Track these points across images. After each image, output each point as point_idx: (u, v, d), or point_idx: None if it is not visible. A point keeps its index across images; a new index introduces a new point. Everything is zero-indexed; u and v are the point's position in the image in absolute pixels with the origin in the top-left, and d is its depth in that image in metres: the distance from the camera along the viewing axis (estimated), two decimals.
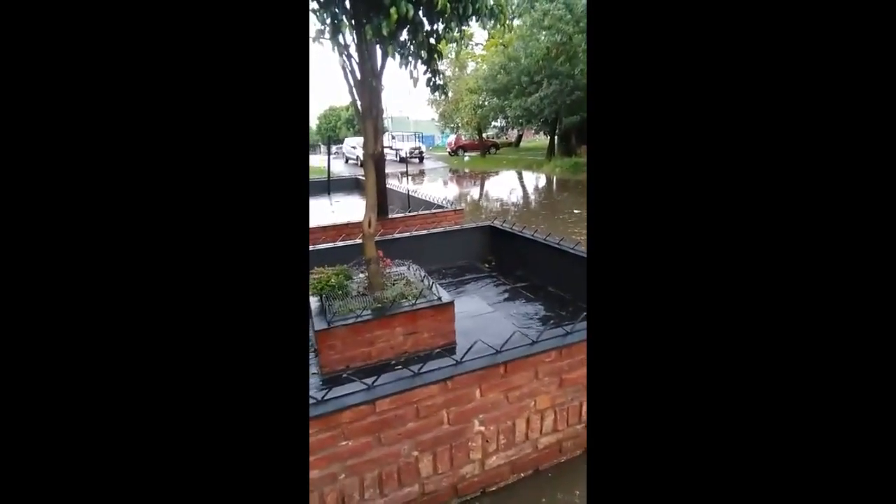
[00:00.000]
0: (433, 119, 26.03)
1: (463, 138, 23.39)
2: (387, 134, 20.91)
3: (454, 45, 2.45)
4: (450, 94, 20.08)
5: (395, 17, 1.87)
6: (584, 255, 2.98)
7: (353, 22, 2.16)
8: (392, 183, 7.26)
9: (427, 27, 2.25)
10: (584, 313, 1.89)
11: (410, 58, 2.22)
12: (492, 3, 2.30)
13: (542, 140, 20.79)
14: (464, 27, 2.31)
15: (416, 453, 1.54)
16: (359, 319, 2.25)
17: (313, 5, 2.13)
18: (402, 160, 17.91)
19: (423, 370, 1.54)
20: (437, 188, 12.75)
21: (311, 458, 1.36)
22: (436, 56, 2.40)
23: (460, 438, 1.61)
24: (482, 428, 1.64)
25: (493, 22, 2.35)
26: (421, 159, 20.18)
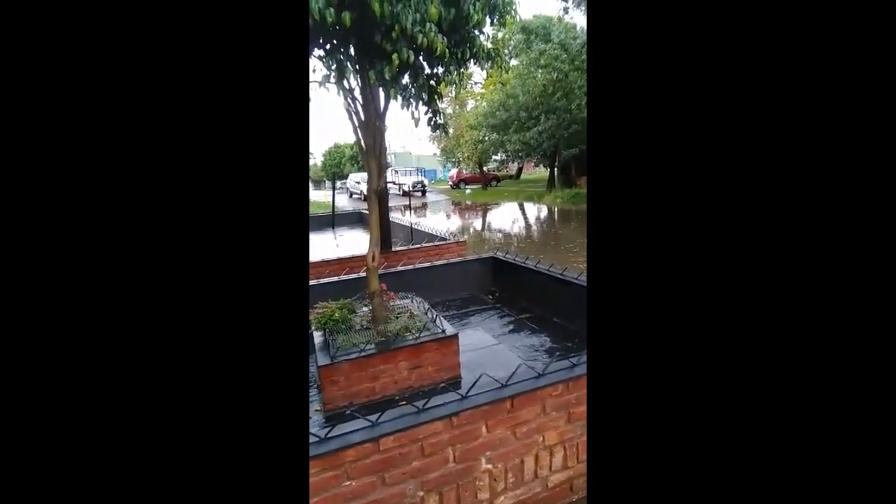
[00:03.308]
0: (435, 154, 26.74)
1: (464, 172, 23.90)
2: (390, 169, 21.42)
3: (454, 86, 2.57)
4: (451, 131, 20.69)
5: (396, 62, 1.97)
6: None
7: (357, 67, 2.28)
8: (395, 216, 7.36)
9: (427, 70, 2.36)
10: None
11: (412, 99, 2.32)
12: (489, 46, 2.43)
13: (542, 172, 21.19)
14: (462, 70, 2.42)
15: (421, 493, 1.49)
16: (362, 354, 2.23)
17: (319, 52, 2.26)
18: (406, 194, 18.19)
19: (427, 406, 1.51)
20: (439, 220, 12.89)
21: (313, 500, 1.32)
22: (436, 97, 2.51)
23: (467, 477, 1.56)
24: (489, 466, 1.59)
25: (490, 64, 2.46)
26: (423, 192, 20.54)
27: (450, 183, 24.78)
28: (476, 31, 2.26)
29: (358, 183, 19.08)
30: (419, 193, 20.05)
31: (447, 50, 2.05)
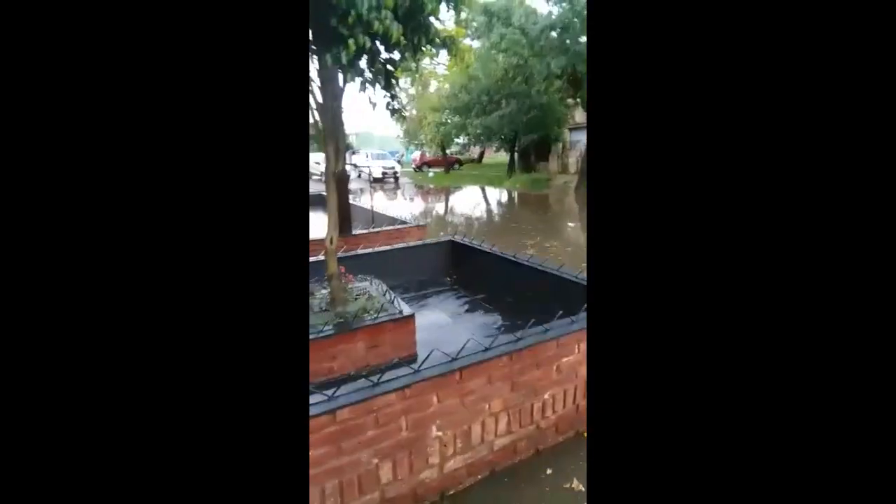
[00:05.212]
0: (398, 136, 26.28)
1: (427, 155, 23.73)
2: (361, 153, 19.84)
3: (410, 73, 2.61)
4: (413, 112, 20.36)
5: (352, 47, 1.99)
6: (538, 267, 3.17)
7: (313, 49, 2.27)
8: (364, 200, 7.27)
9: (384, 56, 2.38)
10: (533, 320, 2.04)
11: (368, 84, 2.35)
12: (445, 34, 2.48)
13: (504, 157, 21.45)
14: (419, 56, 2.47)
15: (376, 461, 1.60)
16: (321, 335, 2.29)
17: None
18: (377, 181, 15.84)
19: (382, 379, 1.62)
20: (401, 204, 12.86)
21: None
22: (393, 81, 2.54)
23: (418, 444, 1.69)
24: (440, 433, 1.73)
25: (446, 51, 2.52)
26: (396, 180, 17.84)
27: (413, 166, 24.57)
28: (431, 20, 2.30)
29: (317, 164, 18.35)
30: (391, 181, 17.55)
31: (403, 37, 2.09)
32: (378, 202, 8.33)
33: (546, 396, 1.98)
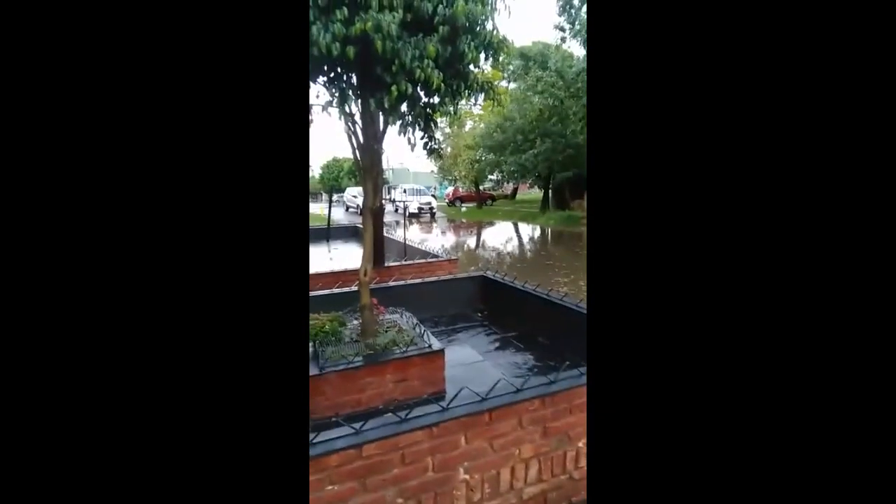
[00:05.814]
0: (433, 171, 27.07)
1: (461, 190, 24.21)
2: (398, 188, 20.69)
3: (449, 115, 2.74)
4: (448, 150, 20.98)
5: (395, 93, 2.12)
6: (572, 307, 3.10)
7: (358, 94, 2.44)
8: (398, 233, 7.48)
9: (424, 100, 2.52)
10: (567, 363, 1.98)
11: (409, 126, 2.48)
12: (482, 80, 2.60)
13: (537, 193, 21.51)
14: (457, 100, 2.59)
15: (400, 500, 1.56)
16: (350, 366, 2.32)
17: (323, 79, 2.42)
18: (413, 216, 16.28)
19: (410, 415, 1.60)
20: (434, 237, 13.04)
21: None
22: (432, 124, 2.67)
23: (445, 486, 1.63)
24: (467, 476, 1.67)
25: (483, 96, 2.64)
26: (433, 216, 17.88)
27: (446, 200, 25.07)
28: (471, 67, 2.42)
29: (355, 197, 19.03)
30: (428, 217, 17.71)
31: (443, 84, 2.21)
32: (412, 235, 8.51)
33: (580, 445, 1.88)
